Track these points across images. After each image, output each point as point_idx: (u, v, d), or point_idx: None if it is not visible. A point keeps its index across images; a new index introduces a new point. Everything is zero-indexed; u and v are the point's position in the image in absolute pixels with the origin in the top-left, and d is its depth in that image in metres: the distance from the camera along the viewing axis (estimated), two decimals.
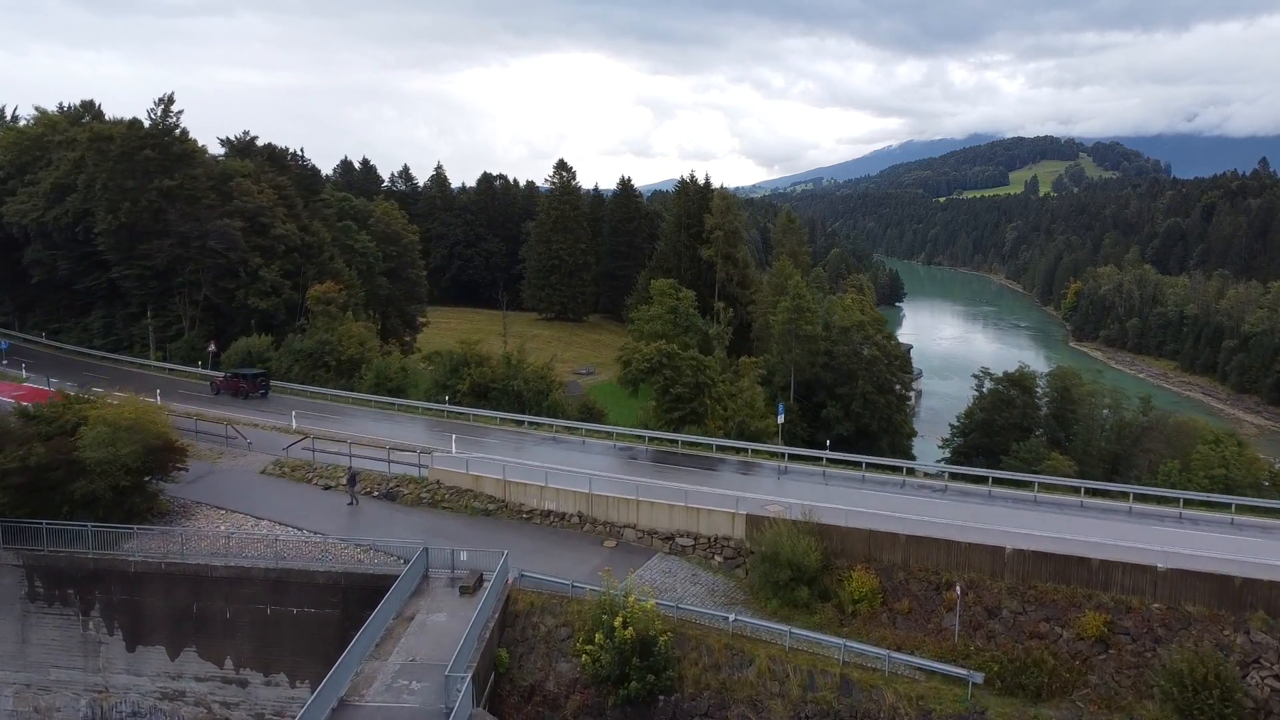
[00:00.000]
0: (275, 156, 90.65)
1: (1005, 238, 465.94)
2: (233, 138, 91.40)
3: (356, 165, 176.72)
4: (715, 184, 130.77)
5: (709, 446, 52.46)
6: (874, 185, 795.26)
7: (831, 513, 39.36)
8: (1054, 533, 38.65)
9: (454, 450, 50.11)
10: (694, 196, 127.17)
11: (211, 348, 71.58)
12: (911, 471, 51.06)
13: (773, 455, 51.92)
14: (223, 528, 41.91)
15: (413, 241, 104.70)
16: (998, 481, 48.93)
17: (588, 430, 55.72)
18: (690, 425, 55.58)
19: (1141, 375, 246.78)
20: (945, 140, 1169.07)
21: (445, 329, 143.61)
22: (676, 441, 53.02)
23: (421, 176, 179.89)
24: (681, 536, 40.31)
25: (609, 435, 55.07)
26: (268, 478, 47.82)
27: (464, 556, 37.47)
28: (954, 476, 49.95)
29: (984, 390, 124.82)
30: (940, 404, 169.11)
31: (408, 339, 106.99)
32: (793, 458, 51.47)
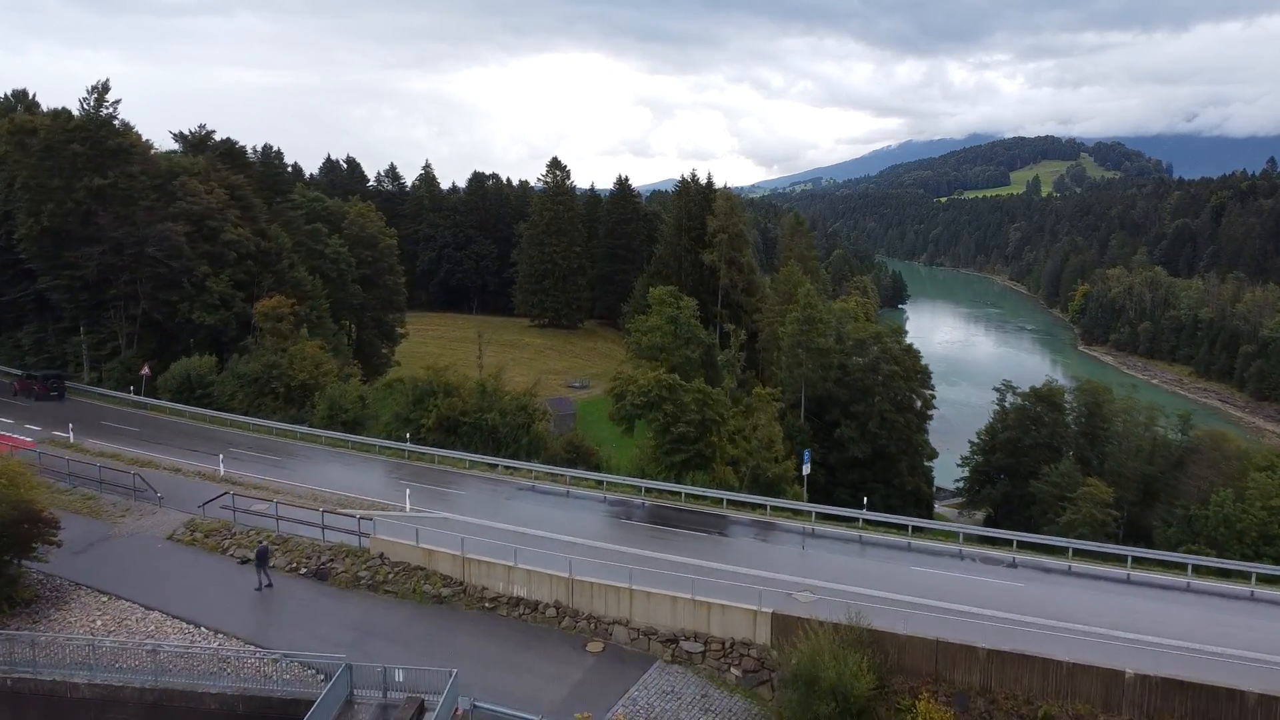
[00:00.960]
0: (233, 153, 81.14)
1: (1009, 238, 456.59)
2: (187, 131, 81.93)
3: (344, 164, 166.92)
4: (718, 183, 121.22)
5: (719, 500, 42.96)
6: (874, 185, 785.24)
7: (882, 608, 29.95)
8: (1190, 640, 29.19)
9: (408, 506, 40.67)
10: (695, 197, 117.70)
11: (145, 371, 62.04)
12: (969, 538, 41.43)
13: (796, 513, 42.39)
14: (99, 623, 32.44)
15: (390, 245, 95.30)
16: (1081, 554, 39.29)
17: (573, 478, 46.27)
18: (696, 471, 46.11)
19: (1155, 381, 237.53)
20: (945, 140, 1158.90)
21: (431, 336, 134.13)
22: (680, 494, 43.57)
23: (414, 176, 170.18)
24: (687, 639, 30.79)
25: (599, 484, 45.62)
26: (175, 545, 38.29)
27: (400, 676, 27.96)
28: (1023, 545, 40.26)
29: (1006, 404, 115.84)
30: (951, 412, 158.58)
31: (385, 351, 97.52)
32: (821, 517, 41.76)
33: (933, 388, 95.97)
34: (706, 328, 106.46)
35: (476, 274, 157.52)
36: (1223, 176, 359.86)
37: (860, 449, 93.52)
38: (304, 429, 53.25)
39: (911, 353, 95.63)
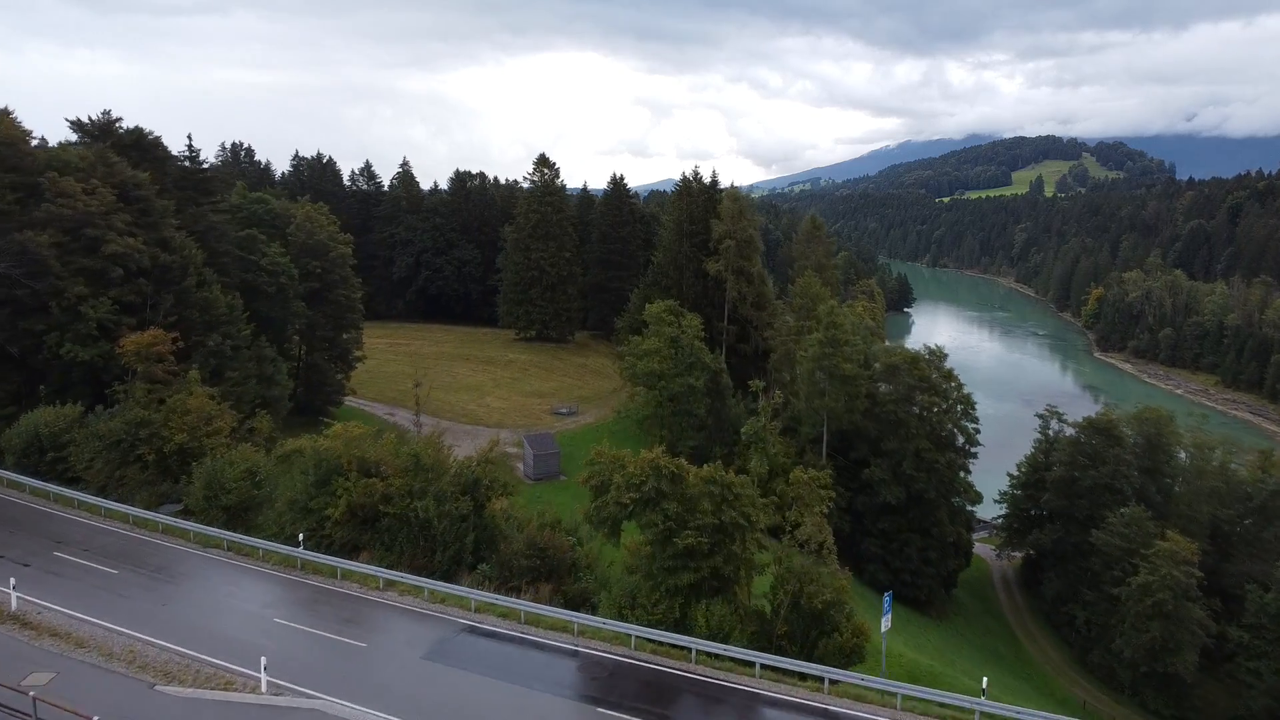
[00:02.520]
0: (142, 144, 65.99)
1: (1014, 240, 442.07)
2: (88, 119, 66.72)
3: (313, 161, 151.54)
4: (723, 182, 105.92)
5: (749, 666, 27.89)
6: (873, 185, 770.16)
7: None
8: None
9: (263, 683, 25.60)
10: (698, 198, 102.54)
11: None
12: None
13: (882, 695, 27.20)
14: None
15: (344, 254, 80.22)
16: None
17: (528, 614, 31.12)
18: (708, 602, 31.03)
19: (1179, 391, 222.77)
20: (943, 140, 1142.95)
21: (404, 353, 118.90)
22: (689, 650, 28.53)
23: (420, 177, 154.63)
24: None
25: (568, 627, 30.50)
26: None
27: None
28: None
29: (1049, 431, 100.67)
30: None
31: (340, 377, 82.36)
32: (915, 702, 26.23)
33: (976, 419, 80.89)
34: (713, 350, 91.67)
35: (458, 281, 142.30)
36: (1237, 176, 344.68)
37: (892, 493, 78.70)
38: (167, 518, 38.18)
39: (952, 380, 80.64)
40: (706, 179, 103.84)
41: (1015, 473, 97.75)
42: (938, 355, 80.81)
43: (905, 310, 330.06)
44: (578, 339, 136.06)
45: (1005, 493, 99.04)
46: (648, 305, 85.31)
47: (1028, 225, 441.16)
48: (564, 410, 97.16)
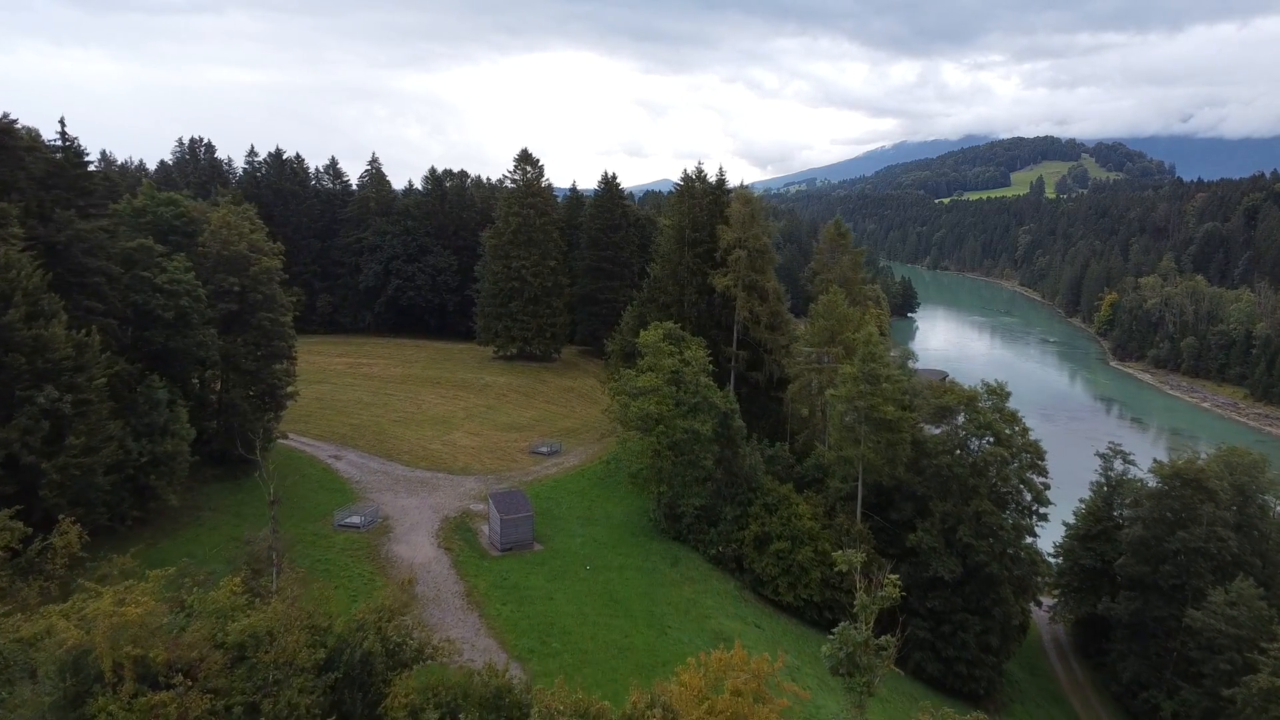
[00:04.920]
0: None
1: (1017, 242, 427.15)
2: None
3: (271, 157, 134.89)
4: (731, 181, 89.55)
5: None
6: (870, 186, 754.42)
7: None
8: None
9: None
10: (701, 199, 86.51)
11: None
12: None
13: None
14: None
15: (272, 267, 64.20)
16: None
17: None
18: None
19: (1205, 404, 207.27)
20: (939, 141, 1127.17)
21: (363, 375, 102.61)
22: None
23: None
24: None
25: None
26: None
27: None
28: None
29: (1110, 475, 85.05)
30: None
31: (269, 419, 66.19)
32: None
33: (1046, 471, 64.96)
34: (719, 381, 75.71)
35: (432, 291, 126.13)
36: (1252, 177, 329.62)
37: (946, 567, 62.75)
38: None
39: (1017, 423, 64.79)
40: (713, 179, 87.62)
41: (1071, 523, 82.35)
42: (999, 393, 64.87)
43: (909, 315, 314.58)
44: (564, 356, 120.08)
45: (1060, 545, 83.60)
46: (642, 331, 69.34)
47: (1031, 227, 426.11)
48: (544, 449, 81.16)
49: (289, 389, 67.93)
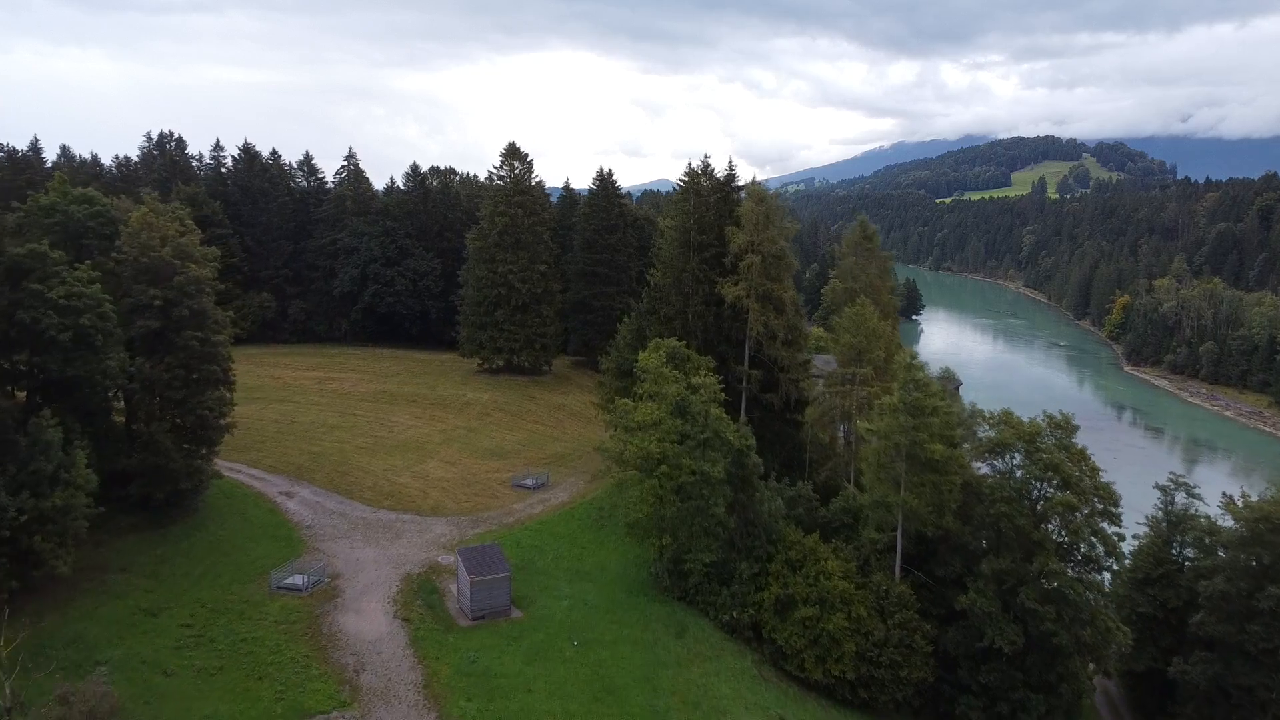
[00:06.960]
0: None
1: (1022, 242, 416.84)
2: None
3: (265, 152, 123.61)
4: (741, 177, 78.48)
5: None
6: (869, 186, 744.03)
7: None
8: None
9: None
10: (708, 198, 75.58)
11: None
12: None
13: None
14: None
15: (201, 279, 53.38)
16: None
17: None
18: None
19: (1228, 413, 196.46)
20: (937, 141, 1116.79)
21: (334, 392, 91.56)
22: None
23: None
24: None
25: None
26: None
27: None
28: None
29: (1170, 510, 74.47)
30: None
31: (200, 460, 55.19)
32: None
33: (1120, 520, 54.27)
34: (729, 408, 64.75)
35: (413, 297, 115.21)
36: (1264, 176, 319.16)
37: (1005, 637, 52.19)
38: None
39: (1084, 459, 54.07)
40: (721, 175, 76.65)
41: (1124, 568, 71.60)
42: (1065, 426, 54.15)
43: (914, 318, 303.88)
44: (555, 369, 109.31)
45: (1112, 590, 72.90)
46: (641, 352, 58.53)
47: (1035, 227, 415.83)
48: (529, 483, 70.40)
49: (225, 420, 56.93)
